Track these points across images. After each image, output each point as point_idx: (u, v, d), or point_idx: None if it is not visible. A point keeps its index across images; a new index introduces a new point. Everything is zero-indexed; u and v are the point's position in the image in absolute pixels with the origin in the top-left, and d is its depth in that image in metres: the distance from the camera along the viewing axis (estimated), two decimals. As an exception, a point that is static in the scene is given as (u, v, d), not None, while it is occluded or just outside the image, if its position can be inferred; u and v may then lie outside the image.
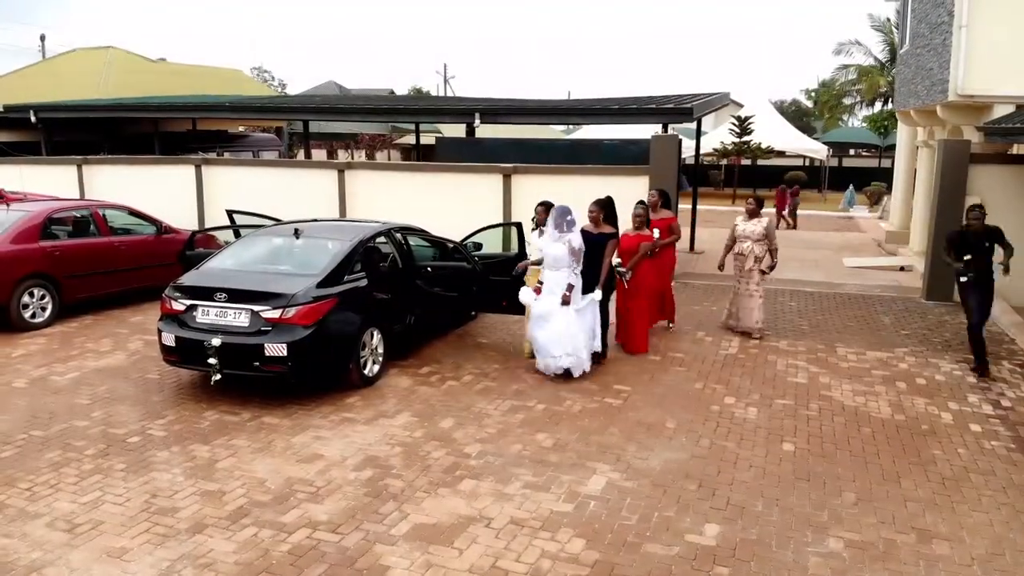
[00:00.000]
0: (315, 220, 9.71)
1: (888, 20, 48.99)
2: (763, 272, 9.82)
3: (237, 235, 11.17)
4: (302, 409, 7.28)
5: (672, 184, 12.99)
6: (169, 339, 7.44)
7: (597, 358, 8.55)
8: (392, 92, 67.50)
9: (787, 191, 26.03)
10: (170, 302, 7.57)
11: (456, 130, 21.98)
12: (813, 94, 63.96)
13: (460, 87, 57.71)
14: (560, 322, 8.03)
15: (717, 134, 33.06)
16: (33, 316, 10.11)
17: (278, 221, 10.78)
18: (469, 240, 9.89)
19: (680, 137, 13.32)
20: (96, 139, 20.35)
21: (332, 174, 15.30)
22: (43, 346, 9.42)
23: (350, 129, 37.73)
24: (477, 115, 14.57)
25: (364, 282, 7.95)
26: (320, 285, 7.40)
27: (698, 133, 16.77)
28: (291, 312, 7.12)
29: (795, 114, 52.22)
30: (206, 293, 7.39)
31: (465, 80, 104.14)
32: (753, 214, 9.91)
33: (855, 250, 19.22)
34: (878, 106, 51.26)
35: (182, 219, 16.23)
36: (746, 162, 35.37)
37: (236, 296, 7.28)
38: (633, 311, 9.15)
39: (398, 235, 8.93)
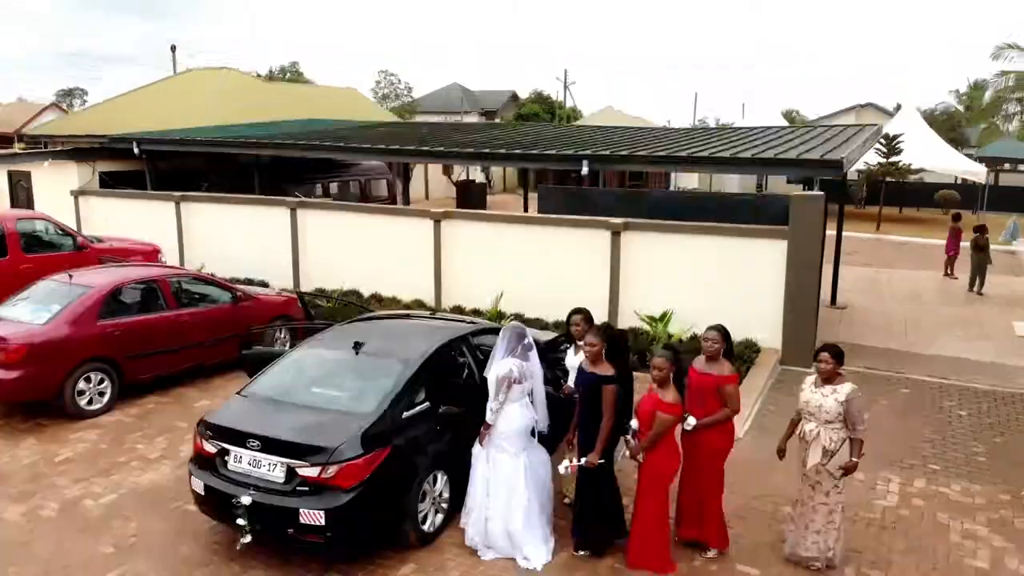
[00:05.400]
0: (389, 317, 8.38)
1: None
2: (832, 476, 5.97)
3: (309, 316, 10.13)
4: (344, 584, 5.97)
5: (815, 253, 11.09)
6: (198, 486, 6.30)
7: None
8: (514, 94, 66.96)
9: (960, 230, 19.15)
10: (201, 441, 6.42)
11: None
12: (964, 97, 58.10)
13: (580, 93, 56.11)
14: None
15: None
16: (90, 402, 9.32)
17: (364, 308, 9.58)
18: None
19: (824, 198, 11.35)
20: (199, 166, 19.94)
21: (427, 224, 14.04)
22: (91, 445, 8.55)
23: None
24: (585, 163, 12.98)
25: (428, 414, 6.58)
26: (371, 432, 6.03)
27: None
28: (331, 471, 5.80)
29: (944, 124, 47.50)
30: (238, 437, 6.19)
31: (585, 87, 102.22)
32: (829, 377, 5.96)
33: (1029, 307, 16.12)
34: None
35: (280, 270, 15.38)
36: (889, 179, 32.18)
37: (270, 445, 6.02)
38: (644, 512, 6.12)
39: (475, 341, 7.54)
